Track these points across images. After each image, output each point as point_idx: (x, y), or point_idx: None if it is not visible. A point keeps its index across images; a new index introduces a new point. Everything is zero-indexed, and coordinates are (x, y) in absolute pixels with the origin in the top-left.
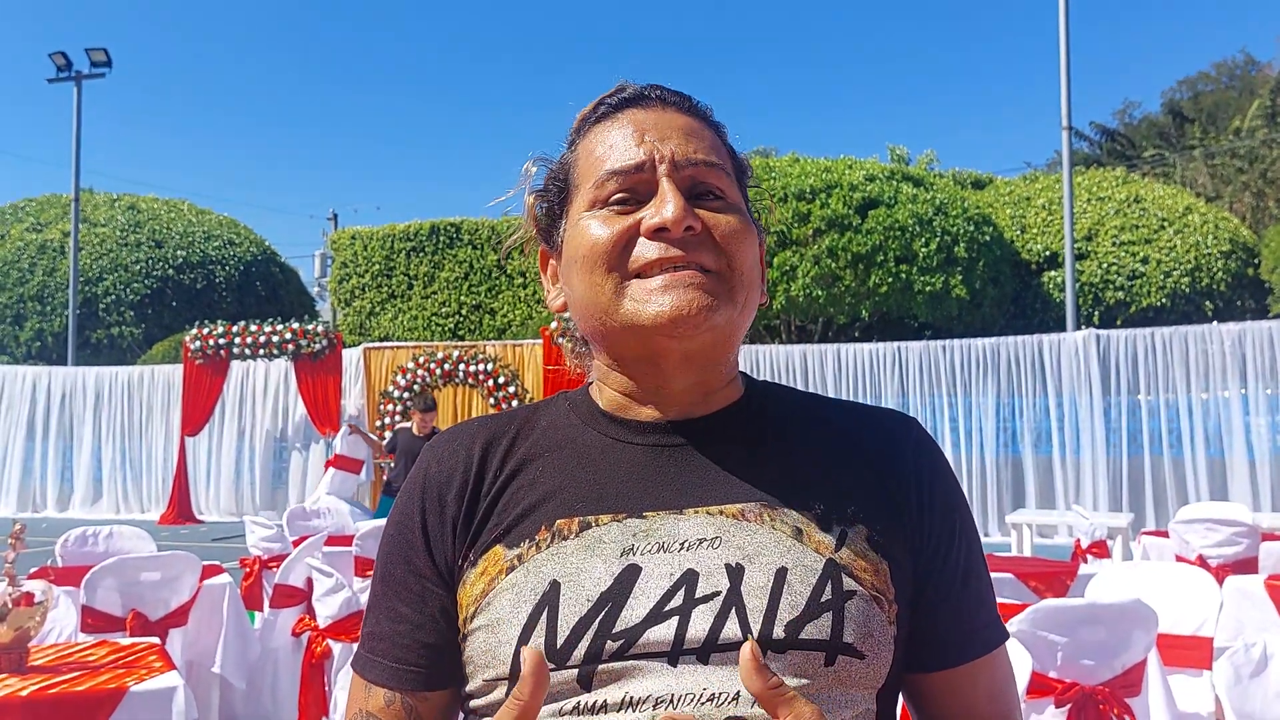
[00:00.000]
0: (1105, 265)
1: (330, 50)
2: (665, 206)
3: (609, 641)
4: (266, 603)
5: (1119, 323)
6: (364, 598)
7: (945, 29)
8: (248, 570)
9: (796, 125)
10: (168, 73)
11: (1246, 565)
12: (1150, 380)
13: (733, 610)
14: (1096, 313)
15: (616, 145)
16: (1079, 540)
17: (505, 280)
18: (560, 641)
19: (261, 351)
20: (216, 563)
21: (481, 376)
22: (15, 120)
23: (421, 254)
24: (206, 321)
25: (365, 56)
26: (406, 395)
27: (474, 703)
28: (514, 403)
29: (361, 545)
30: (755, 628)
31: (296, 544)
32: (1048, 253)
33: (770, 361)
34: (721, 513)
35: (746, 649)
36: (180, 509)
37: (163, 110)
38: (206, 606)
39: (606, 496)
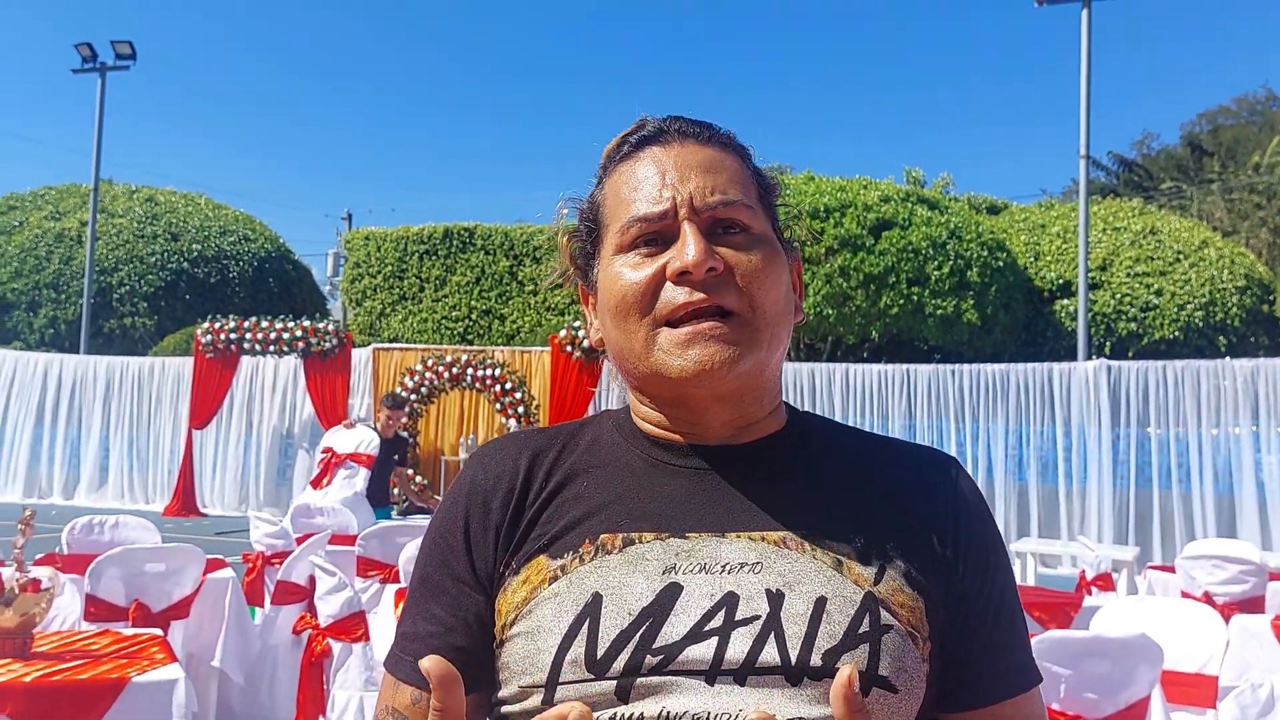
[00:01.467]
0: (1119, 296)
1: (352, 52)
2: (686, 250)
3: (648, 656)
4: (268, 599)
5: (1131, 354)
6: (365, 598)
7: (964, 54)
8: (250, 566)
9: (813, 144)
10: (190, 67)
11: (1253, 604)
12: (1160, 413)
13: (772, 635)
14: (1108, 343)
15: (639, 188)
16: (1084, 571)
17: (516, 286)
18: (600, 653)
19: (272, 348)
20: (220, 557)
21: (489, 381)
22: (38, 109)
23: (434, 257)
24: (218, 316)
25: (387, 60)
26: (414, 397)
27: (505, 709)
28: (520, 409)
29: (364, 546)
30: (793, 654)
31: (300, 541)
32: (1061, 281)
33: (781, 378)
34: (763, 539)
35: (845, 673)
36: (184, 501)
37: (184, 104)
38: (209, 600)
39: (650, 515)
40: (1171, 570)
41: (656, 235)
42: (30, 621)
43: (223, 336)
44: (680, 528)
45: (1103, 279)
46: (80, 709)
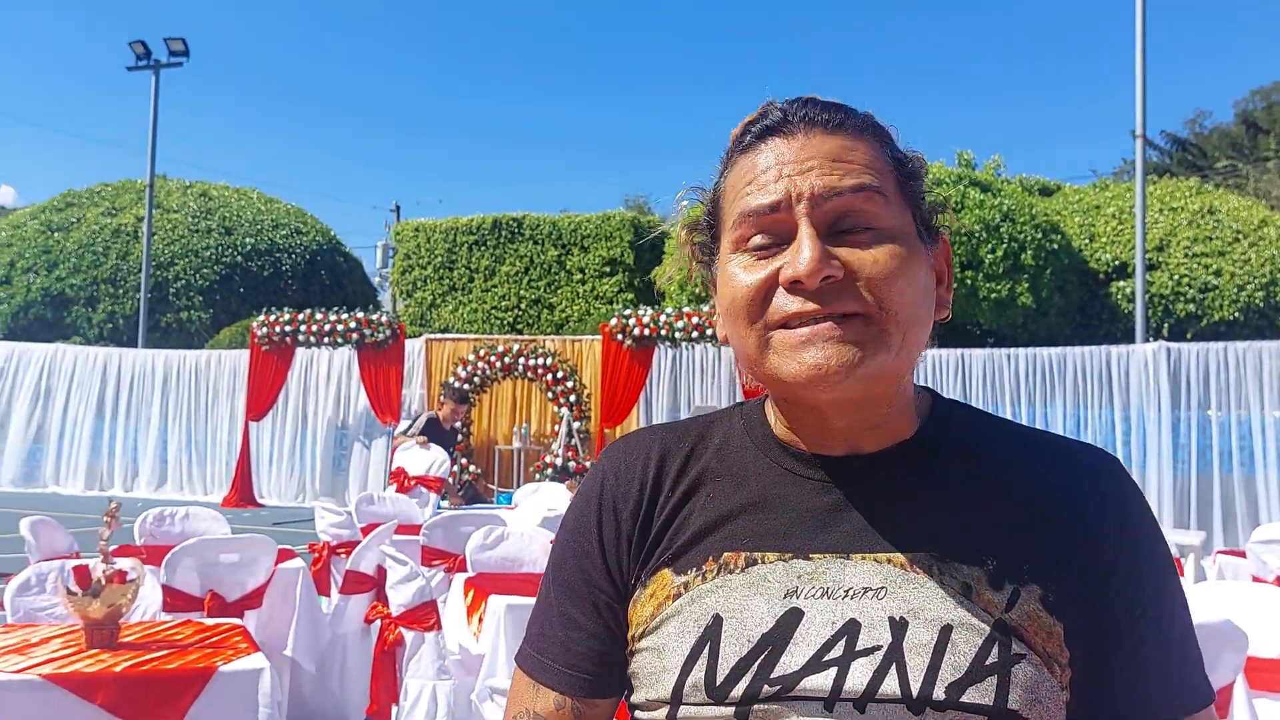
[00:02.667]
0: (1176, 277)
1: (399, 46)
2: (800, 256)
3: (766, 685)
4: (334, 589)
5: (1189, 336)
6: (435, 586)
7: (1013, 35)
8: (316, 555)
9: None
10: (241, 63)
11: None
12: (1222, 396)
13: (893, 666)
14: (1166, 325)
15: (755, 181)
16: None
17: (565, 276)
18: (720, 679)
19: (326, 340)
20: (290, 547)
21: (540, 370)
22: (94, 106)
23: (483, 247)
24: (273, 309)
25: (433, 53)
26: (467, 387)
27: (639, 714)
28: (571, 398)
29: (429, 535)
30: (915, 687)
31: (365, 532)
32: (1117, 262)
33: None
34: (889, 561)
35: None
36: (242, 492)
37: (235, 100)
38: (280, 590)
39: (774, 534)
40: (1242, 555)
41: (772, 233)
42: (117, 612)
43: (278, 329)
44: (804, 548)
45: (1160, 260)
46: (169, 698)
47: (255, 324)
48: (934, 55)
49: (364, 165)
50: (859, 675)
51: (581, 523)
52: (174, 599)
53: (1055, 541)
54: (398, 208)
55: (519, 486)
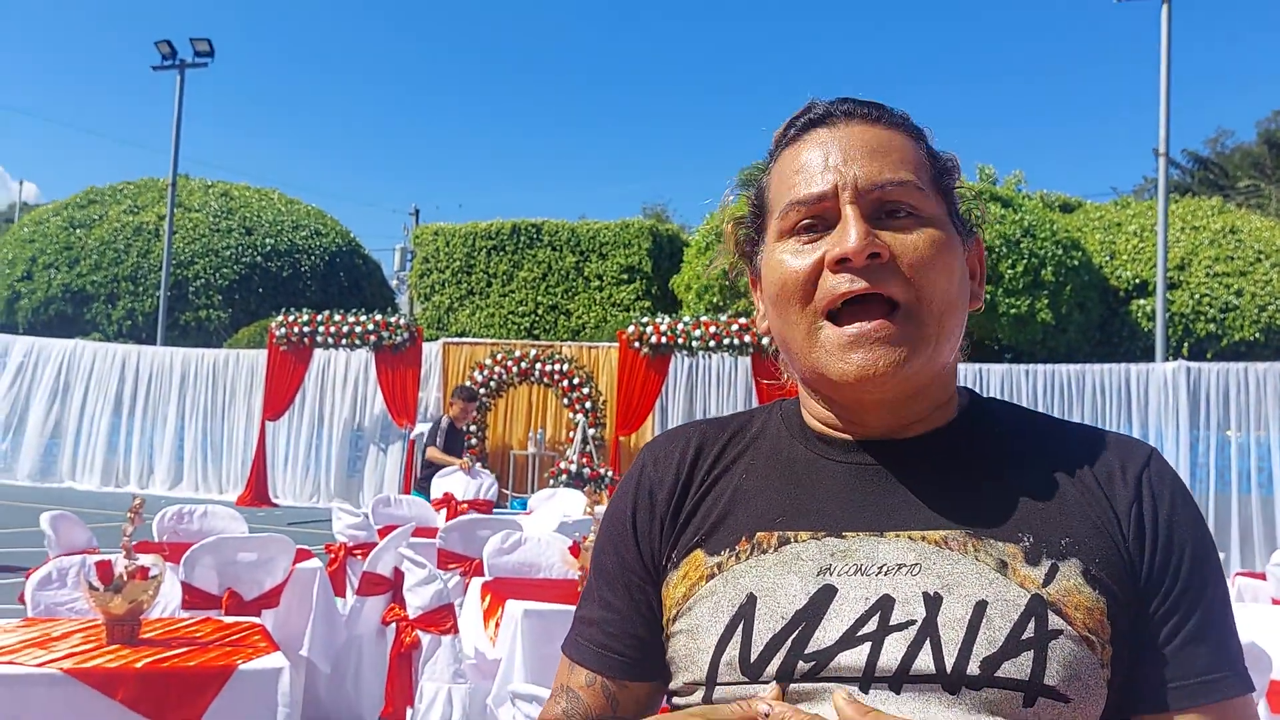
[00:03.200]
0: (1197, 296)
1: (421, 51)
2: (847, 235)
3: (800, 662)
4: (350, 590)
5: (1209, 356)
6: (452, 590)
7: (1036, 51)
8: (333, 556)
9: None
10: (264, 65)
11: None
12: (1241, 416)
13: (927, 641)
14: (1186, 344)
15: (802, 171)
16: None
17: (582, 282)
18: (754, 656)
19: (344, 341)
20: (307, 548)
21: (557, 376)
22: (118, 105)
23: (501, 253)
24: (292, 309)
25: (456, 60)
26: (483, 391)
27: (676, 700)
28: (587, 404)
29: (445, 539)
30: (949, 661)
31: (382, 534)
32: (1137, 280)
33: None
34: (924, 538)
35: (839, 698)
36: (257, 492)
37: (258, 101)
38: (297, 590)
39: (808, 513)
40: (1262, 577)
41: (818, 220)
42: (139, 608)
43: (296, 330)
44: (837, 526)
45: (1181, 279)
46: (189, 695)
47: (274, 324)
48: (956, 69)
49: (385, 169)
50: (893, 650)
51: (618, 509)
52: (193, 596)
53: (1095, 517)
54: (417, 211)
55: (533, 492)
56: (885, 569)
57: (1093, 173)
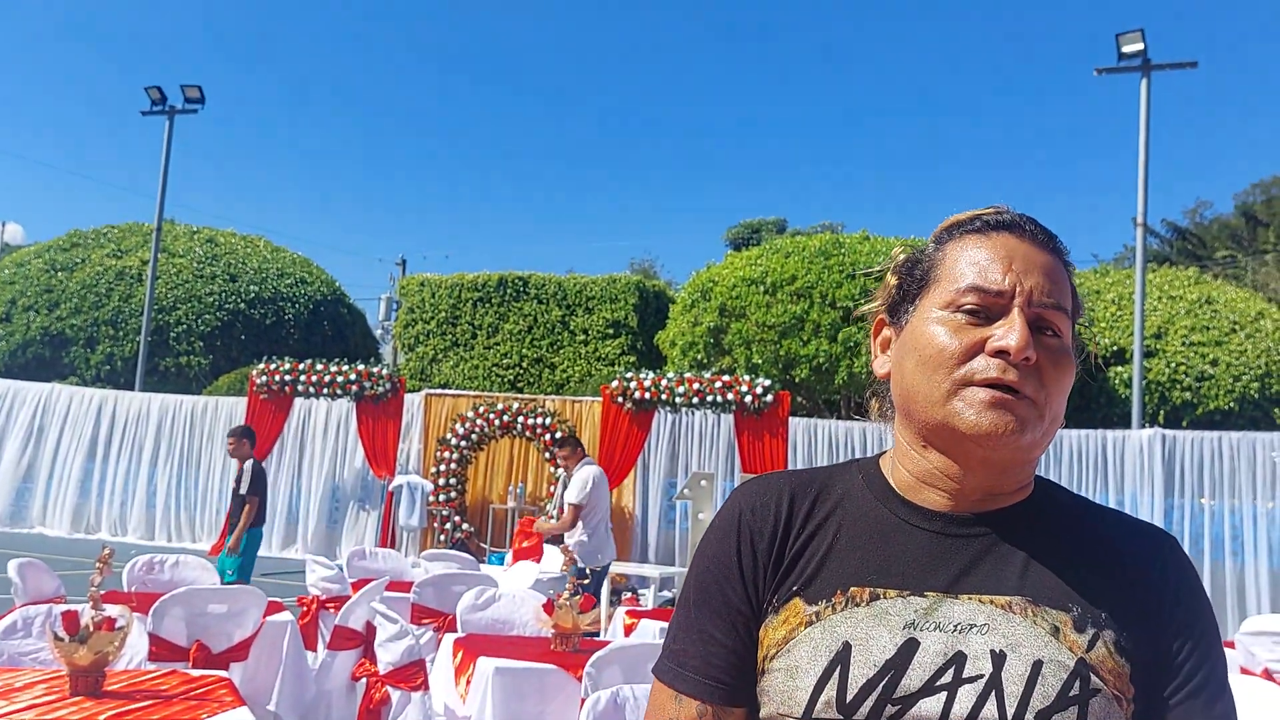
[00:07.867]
0: (1174, 365)
1: (409, 102)
2: (1012, 334)
3: (889, 705)
4: (322, 644)
5: (1184, 424)
6: (424, 645)
7: (1019, 121)
8: (305, 609)
9: (865, 205)
10: (254, 112)
11: None
12: (1216, 484)
13: (992, 693)
14: (1162, 412)
15: (984, 263)
16: None
17: (567, 336)
18: (850, 697)
19: (325, 391)
20: (279, 600)
21: (539, 430)
22: (105, 148)
23: (487, 304)
24: (274, 357)
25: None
26: (464, 444)
27: None
28: None
29: (420, 593)
30: (1010, 711)
31: (356, 587)
32: (1115, 347)
33: (828, 436)
34: (991, 602)
35: None
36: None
37: (246, 148)
38: (267, 643)
39: (894, 573)
40: (1230, 645)
41: (983, 309)
42: (104, 660)
43: (277, 378)
44: (920, 586)
45: (1158, 347)
46: None
47: (254, 372)
48: (941, 137)
49: (372, 219)
50: (965, 700)
51: (723, 550)
52: (160, 648)
53: (1127, 596)
54: (404, 261)
55: (511, 547)
56: (959, 627)
57: (1075, 241)
